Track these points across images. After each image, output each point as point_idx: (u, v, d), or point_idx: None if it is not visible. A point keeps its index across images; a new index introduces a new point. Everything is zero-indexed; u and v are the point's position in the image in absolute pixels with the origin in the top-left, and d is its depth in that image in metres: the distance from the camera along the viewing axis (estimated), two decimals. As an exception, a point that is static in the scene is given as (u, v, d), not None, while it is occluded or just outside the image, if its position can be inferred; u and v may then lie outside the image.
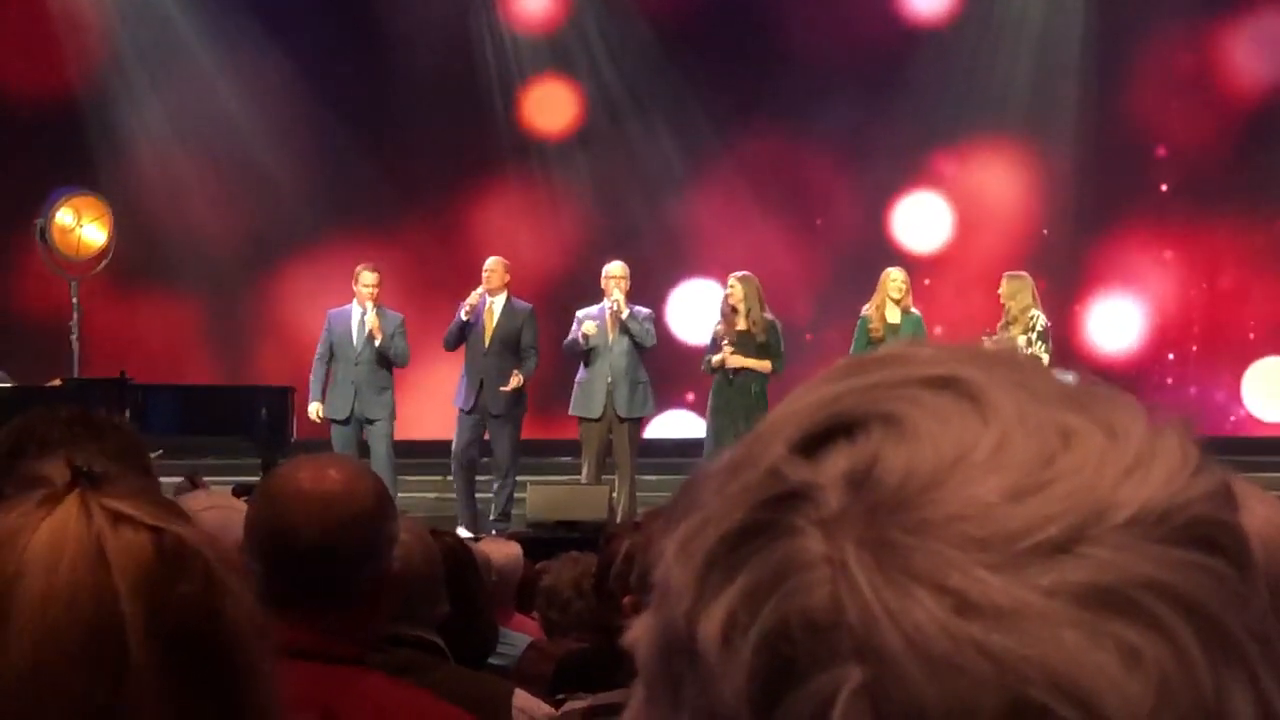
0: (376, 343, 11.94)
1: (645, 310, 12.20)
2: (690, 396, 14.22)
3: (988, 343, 0.67)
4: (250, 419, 12.23)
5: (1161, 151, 15.39)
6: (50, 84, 15.19)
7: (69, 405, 2.67)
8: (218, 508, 3.09)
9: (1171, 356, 15.47)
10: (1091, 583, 0.58)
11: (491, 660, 4.45)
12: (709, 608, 0.60)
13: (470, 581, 4.16)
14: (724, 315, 11.90)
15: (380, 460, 11.67)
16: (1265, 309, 15.37)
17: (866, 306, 11.97)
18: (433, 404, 13.23)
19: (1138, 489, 0.60)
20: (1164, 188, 15.44)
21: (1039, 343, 11.38)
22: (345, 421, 11.98)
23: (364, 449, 11.89)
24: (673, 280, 15.09)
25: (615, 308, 11.89)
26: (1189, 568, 0.59)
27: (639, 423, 12.15)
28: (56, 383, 12.00)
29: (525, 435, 12.34)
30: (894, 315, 11.83)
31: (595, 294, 12.19)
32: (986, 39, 15.41)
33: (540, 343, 12.16)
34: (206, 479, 6.67)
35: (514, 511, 12.09)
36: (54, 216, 13.34)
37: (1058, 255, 14.84)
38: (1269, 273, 15.38)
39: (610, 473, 12.01)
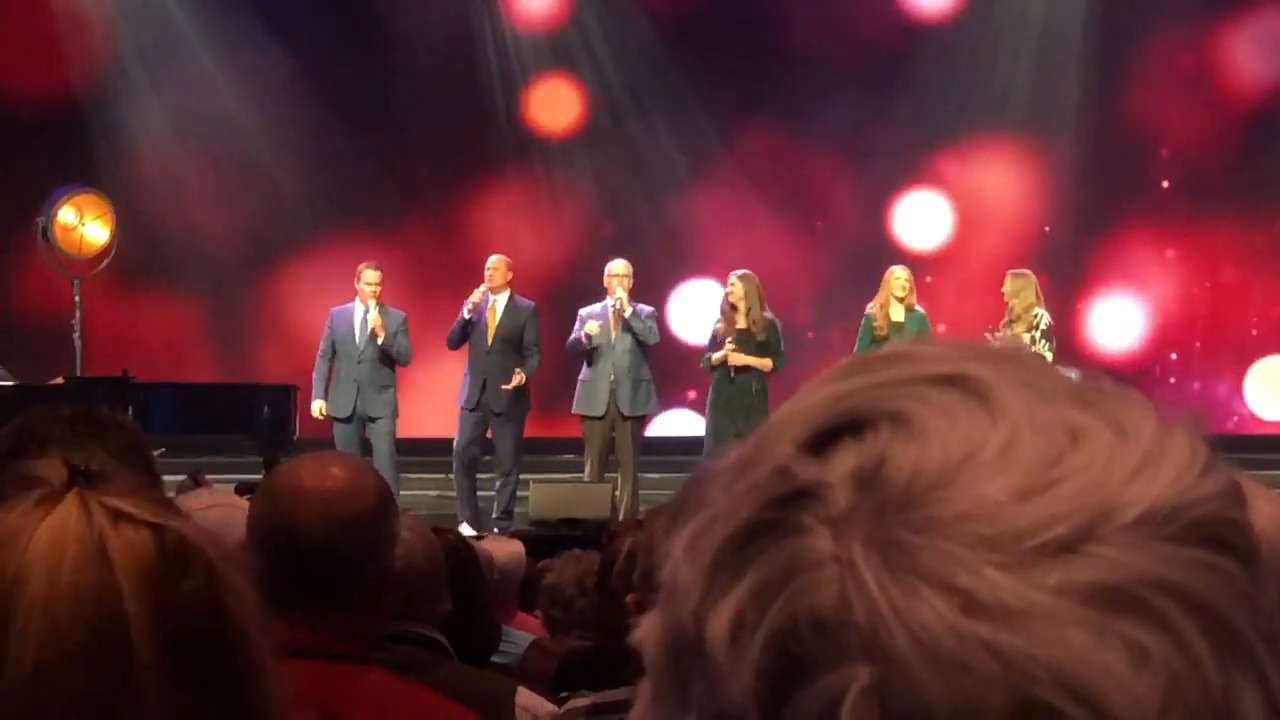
0: (379, 341, 11.94)
1: (648, 308, 12.20)
2: (691, 395, 14.22)
3: (992, 340, 0.67)
4: (252, 417, 12.23)
5: (1163, 150, 15.38)
6: (52, 83, 15.19)
7: (71, 404, 2.66)
8: (220, 506, 3.09)
9: (1174, 356, 15.47)
10: (1099, 582, 0.58)
11: (494, 658, 4.45)
12: (717, 606, 0.60)
13: (473, 579, 4.16)
14: (724, 313, 11.90)
15: (382, 458, 11.68)
16: (1267, 307, 15.37)
17: (871, 305, 11.98)
18: (435, 402, 13.23)
19: (1146, 488, 0.60)
20: (1165, 184, 15.43)
21: (1042, 341, 11.38)
22: (347, 419, 11.99)
23: (366, 447, 11.90)
24: (674, 278, 15.09)
25: (618, 306, 11.89)
26: (1197, 567, 0.59)
27: (642, 421, 12.16)
28: (59, 381, 12.00)
29: (528, 433, 12.34)
30: (898, 313, 11.83)
31: (597, 292, 12.19)
32: (988, 37, 15.40)
33: (542, 341, 12.16)
34: (209, 477, 6.67)
35: (516, 510, 12.09)
36: (56, 215, 13.35)
37: (1059, 253, 14.84)
38: (1271, 271, 15.38)
39: (613, 471, 12.01)
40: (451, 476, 12.29)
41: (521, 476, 12.14)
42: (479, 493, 12.22)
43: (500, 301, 12.10)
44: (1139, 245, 15.38)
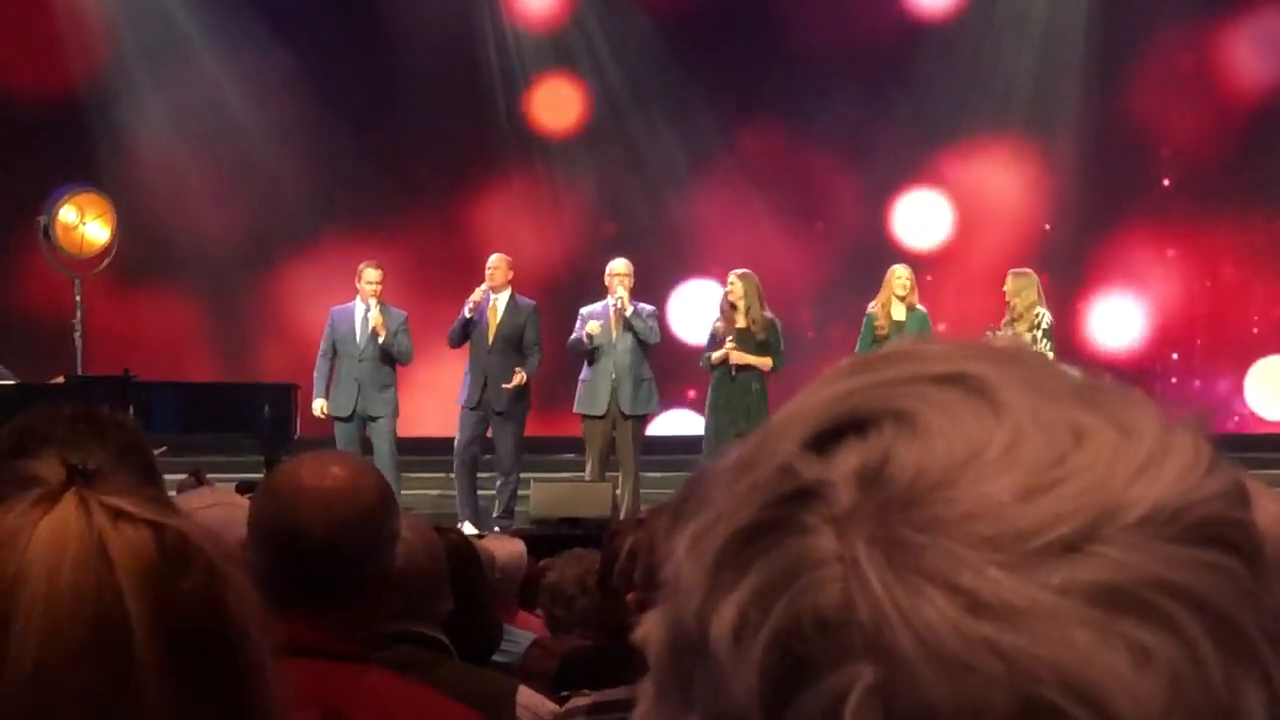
0: (380, 340, 11.94)
1: (649, 307, 12.21)
2: (691, 394, 14.22)
3: (994, 338, 0.67)
4: (253, 416, 12.23)
5: (1164, 149, 15.38)
6: (53, 82, 15.18)
7: (72, 403, 2.66)
8: (221, 505, 3.09)
9: (1175, 356, 15.46)
10: (1103, 582, 0.58)
11: (495, 657, 4.45)
12: (720, 605, 0.60)
13: (474, 578, 4.16)
14: (723, 312, 11.90)
15: (383, 457, 11.68)
16: (1268, 307, 15.37)
17: (872, 304, 11.98)
18: (435, 401, 13.23)
19: (1150, 487, 0.60)
20: (1166, 183, 15.43)
21: (1043, 340, 11.39)
22: (348, 418, 11.99)
23: (367, 446, 11.90)
24: (675, 278, 15.08)
25: (619, 305, 11.89)
26: (1201, 567, 0.59)
27: (643, 420, 12.16)
28: (59, 380, 12.00)
29: (528, 432, 12.34)
30: (899, 312, 11.84)
31: (598, 291, 12.19)
32: (989, 36, 15.40)
33: (543, 340, 12.16)
34: (209, 476, 6.67)
35: (517, 509, 12.09)
36: (57, 214, 13.35)
37: (1060, 253, 14.83)
38: (1271, 270, 15.38)
39: (614, 470, 12.01)
40: (452, 475, 12.29)
41: (522, 475, 12.14)
42: (480, 492, 12.22)
43: (501, 300, 12.10)
44: (1140, 244, 15.38)
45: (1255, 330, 15.41)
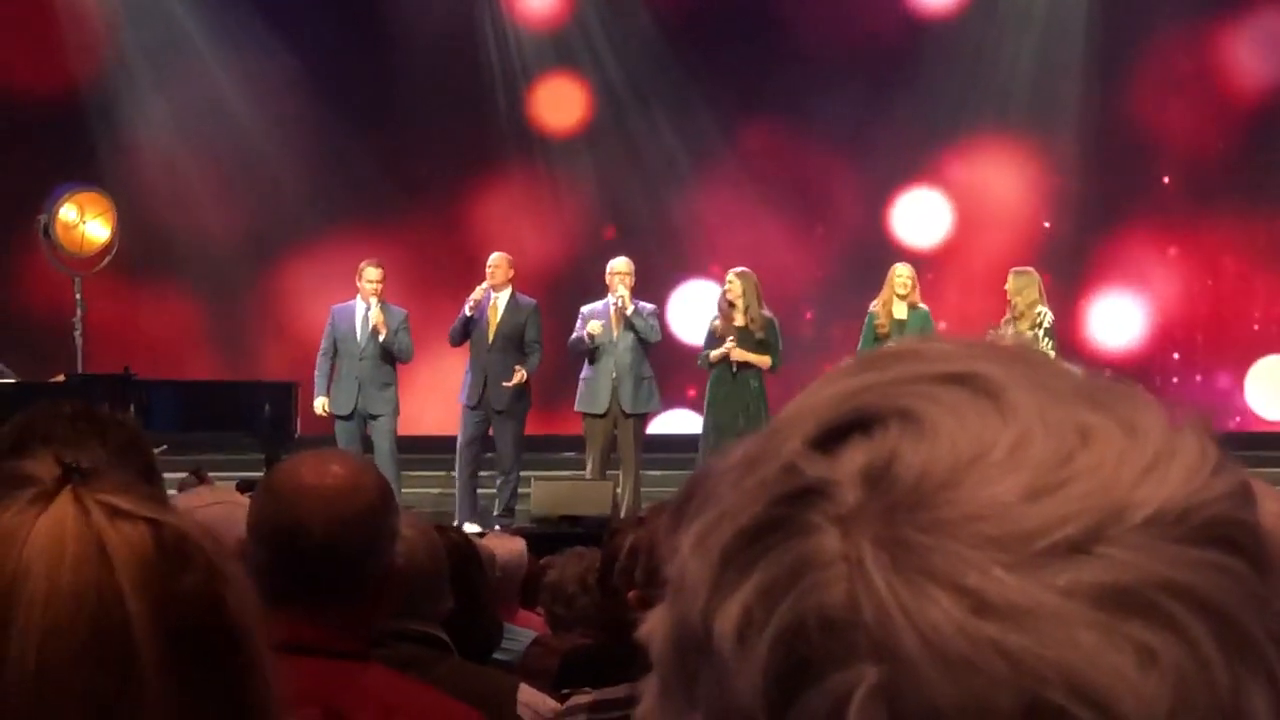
0: (380, 338, 11.95)
1: (650, 306, 12.21)
2: (691, 393, 14.22)
3: (998, 337, 0.67)
4: (253, 415, 12.24)
5: (1164, 148, 15.37)
6: (54, 80, 15.18)
7: (72, 401, 2.66)
8: (221, 503, 3.09)
9: (1177, 356, 15.46)
10: (1108, 583, 0.58)
11: (496, 655, 4.45)
12: (725, 604, 0.60)
13: (474, 577, 4.16)
14: (722, 311, 11.90)
15: (383, 456, 11.68)
16: (1269, 305, 15.37)
17: (874, 302, 11.98)
18: (436, 399, 13.23)
19: (1156, 488, 0.59)
20: (1166, 181, 15.42)
21: (1045, 339, 11.39)
22: (349, 417, 11.99)
23: (367, 444, 11.90)
24: (676, 276, 15.08)
25: (620, 304, 11.89)
26: (1207, 568, 0.59)
27: (644, 418, 12.16)
28: (60, 378, 12.00)
29: (529, 431, 12.35)
30: (901, 311, 11.84)
31: (599, 290, 12.19)
32: (991, 33, 15.40)
33: (544, 338, 12.16)
34: (210, 475, 6.67)
35: (517, 507, 12.10)
36: (57, 213, 13.35)
37: (1060, 251, 14.82)
38: (1272, 269, 15.38)
39: (615, 468, 12.01)
40: (452, 474, 12.29)
41: (523, 474, 12.14)
42: (480, 490, 12.22)
43: (502, 299, 12.10)
44: (1140, 243, 15.38)
45: (1256, 328, 15.41)
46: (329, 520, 2.48)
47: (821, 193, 15.44)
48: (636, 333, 11.89)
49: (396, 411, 12.09)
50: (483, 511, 12.09)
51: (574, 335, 12.04)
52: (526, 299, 12.22)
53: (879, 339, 11.64)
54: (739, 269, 11.98)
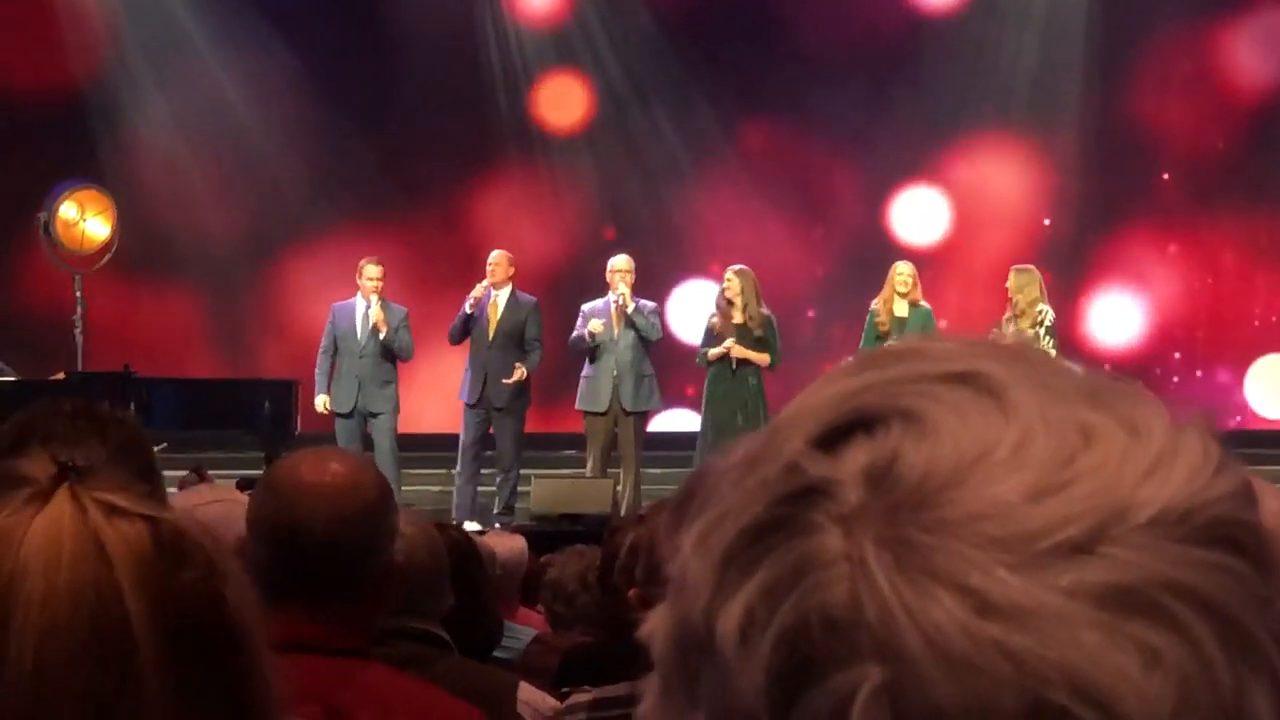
0: (381, 336, 11.94)
1: (650, 304, 12.21)
2: (690, 391, 14.22)
3: (1001, 335, 0.67)
4: (254, 413, 12.24)
5: (1165, 145, 15.37)
6: (55, 78, 15.18)
7: (72, 399, 2.66)
8: (221, 501, 3.09)
9: (1178, 355, 15.45)
10: (1111, 583, 0.58)
11: (496, 653, 4.45)
12: (727, 604, 0.60)
13: (475, 575, 4.16)
14: (720, 309, 11.90)
15: (384, 454, 11.68)
16: (1269, 303, 15.37)
17: (875, 301, 11.98)
18: (436, 397, 13.23)
19: (1159, 488, 0.59)
20: (1166, 178, 15.42)
21: (1046, 337, 11.39)
22: (349, 415, 11.99)
23: (368, 442, 11.90)
24: (676, 275, 15.08)
25: (620, 302, 11.89)
26: (1210, 568, 0.59)
27: (644, 416, 12.16)
28: (60, 376, 12.01)
29: (529, 429, 12.35)
30: (902, 309, 11.83)
31: (599, 288, 12.19)
32: (991, 31, 15.39)
33: (544, 336, 12.16)
34: (210, 473, 6.67)
35: (517, 505, 12.10)
36: (58, 210, 13.35)
37: (1060, 249, 14.83)
38: (1273, 267, 15.38)
39: (615, 466, 12.01)
40: (453, 471, 12.29)
41: (523, 472, 12.14)
42: (480, 488, 12.23)
43: (502, 297, 12.10)
44: (1140, 241, 15.38)
45: (1256, 323, 15.41)
46: (329, 518, 2.48)
47: (822, 191, 15.44)
48: (637, 331, 11.89)
49: (397, 409, 12.09)
50: (483, 509, 12.09)
51: (575, 333, 12.03)
52: (527, 297, 12.22)
53: (880, 337, 11.64)
54: (737, 267, 11.98)
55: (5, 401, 9.66)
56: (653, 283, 13.27)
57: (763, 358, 11.73)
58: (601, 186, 15.54)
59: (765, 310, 11.85)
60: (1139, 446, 0.60)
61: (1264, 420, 15.13)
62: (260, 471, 7.80)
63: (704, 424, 11.91)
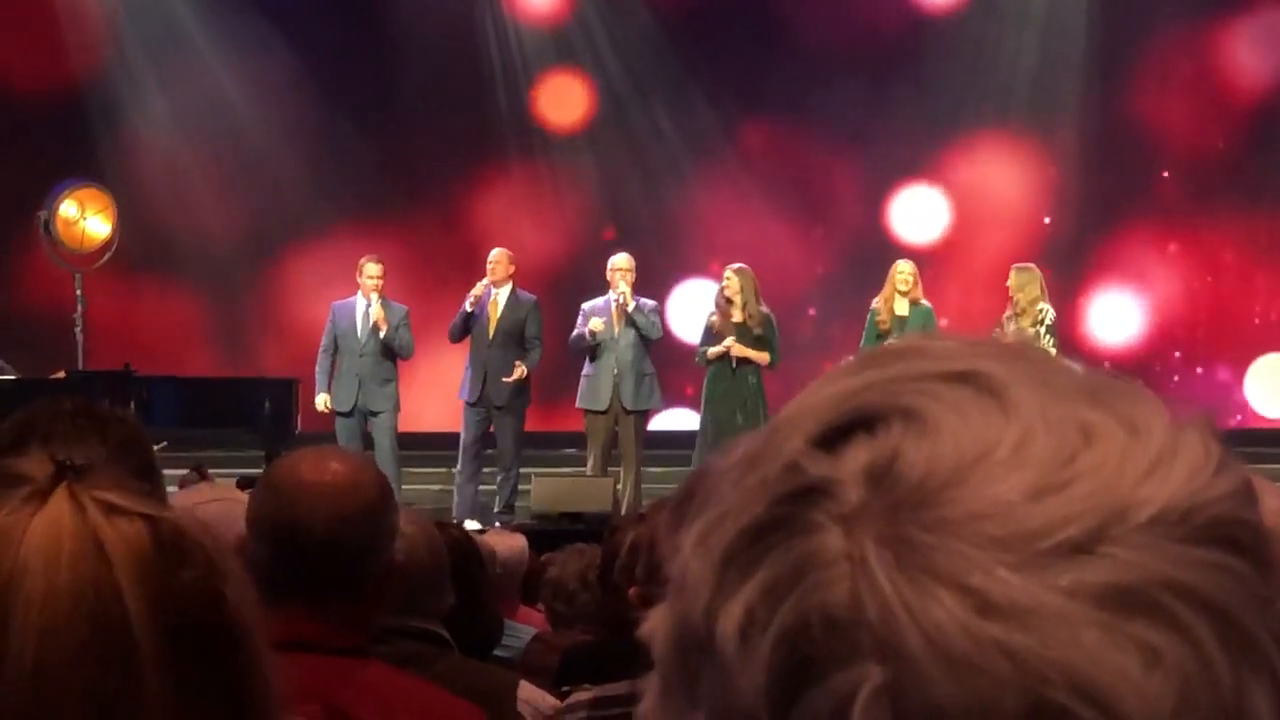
0: (381, 335, 11.94)
1: (651, 302, 12.20)
2: (690, 391, 14.22)
3: (1002, 335, 0.66)
4: (254, 411, 12.23)
5: (1165, 144, 15.37)
6: (55, 77, 15.18)
7: (73, 397, 2.66)
8: (221, 500, 3.08)
9: (1178, 353, 15.45)
10: (1112, 583, 0.58)
11: (497, 652, 4.45)
12: (727, 603, 0.60)
13: (475, 574, 4.16)
14: (719, 307, 11.90)
15: (384, 452, 11.68)
16: (1269, 302, 15.37)
17: (876, 299, 11.98)
18: (436, 396, 13.23)
19: (1159, 488, 0.59)
20: (1166, 176, 15.42)
21: (1046, 336, 11.39)
22: (349, 413, 11.98)
23: (368, 441, 11.90)
24: (676, 273, 15.08)
25: (621, 300, 11.89)
26: (1210, 568, 0.59)
27: (645, 415, 12.16)
28: (60, 375, 12.01)
29: (530, 427, 12.34)
30: (902, 307, 11.83)
31: (600, 286, 12.19)
32: (991, 30, 15.39)
33: (544, 335, 12.16)
34: (210, 471, 6.67)
35: (517, 504, 12.09)
36: (58, 209, 13.35)
37: (1060, 248, 14.82)
38: (1273, 266, 15.37)
39: (615, 465, 12.01)
40: (453, 470, 12.29)
41: (523, 470, 12.14)
42: (480, 487, 12.23)
43: (502, 295, 12.10)
44: (1140, 240, 15.38)
45: (1256, 320, 15.41)
46: (328, 517, 2.48)
47: (822, 190, 15.44)
48: (638, 329, 11.88)
49: (397, 408, 12.09)
50: (483, 508, 12.09)
51: (575, 332, 12.02)
52: (527, 295, 12.22)
53: (880, 336, 11.64)
54: (736, 265, 11.98)
55: (5, 400, 9.66)
56: (653, 282, 13.27)
57: (762, 356, 11.73)
58: (601, 185, 15.54)
59: (764, 309, 11.85)
60: (1139, 446, 0.60)
61: (1264, 419, 15.13)
62: (260, 470, 7.80)
63: (703, 423, 11.90)
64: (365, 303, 12.03)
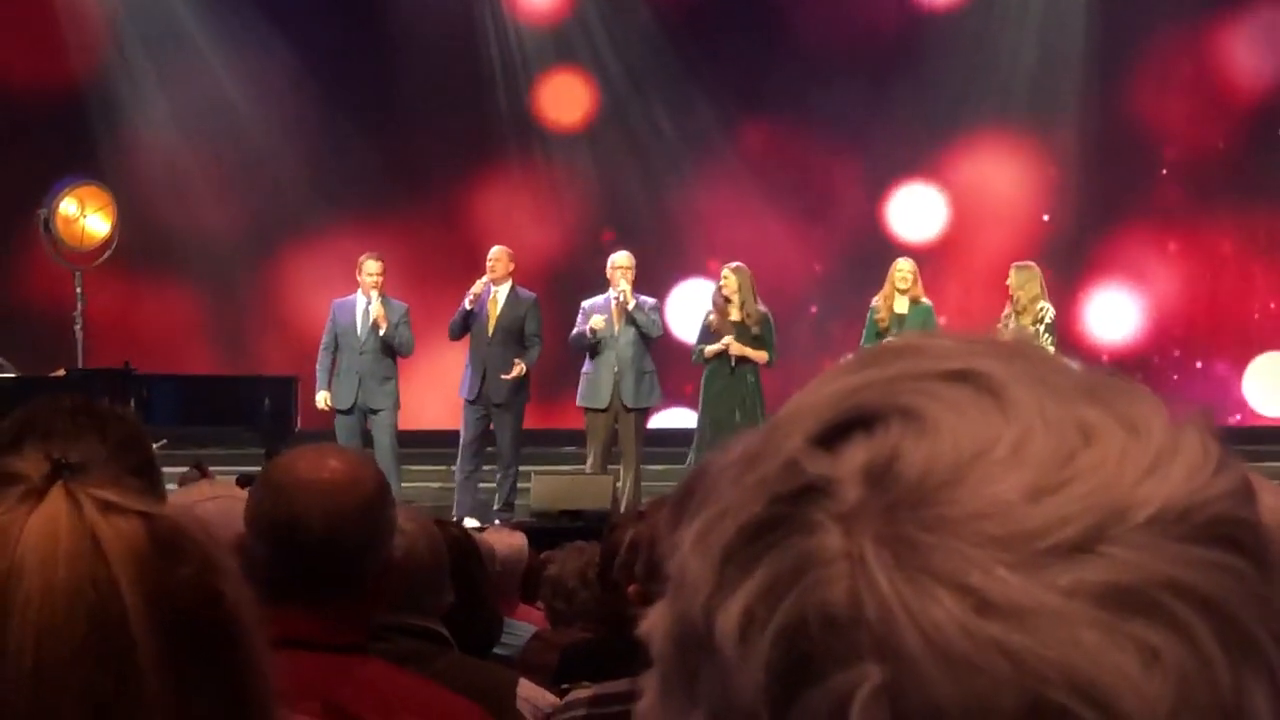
0: (381, 332, 11.94)
1: (651, 300, 12.20)
2: (689, 389, 14.22)
3: (1002, 334, 0.66)
4: (254, 409, 12.24)
5: (1164, 143, 15.37)
6: (55, 75, 15.18)
7: (72, 395, 2.66)
8: (220, 498, 3.08)
9: (1177, 352, 15.45)
10: (1111, 582, 0.58)
11: (496, 650, 4.44)
12: (726, 601, 0.60)
13: (474, 571, 4.15)
14: (716, 306, 11.90)
15: (384, 450, 11.68)
16: (1268, 300, 15.37)
17: (876, 297, 11.98)
18: (436, 394, 13.23)
19: (1158, 487, 0.59)
20: (1165, 174, 15.42)
21: (1046, 334, 11.39)
22: (349, 411, 11.99)
23: (368, 439, 11.90)
24: (675, 272, 15.08)
25: (621, 298, 11.89)
26: (1209, 567, 0.59)
27: (645, 413, 12.16)
28: (60, 373, 12.01)
29: (529, 425, 12.35)
30: (902, 305, 11.83)
31: (599, 284, 12.19)
32: (990, 28, 15.39)
33: (544, 332, 12.16)
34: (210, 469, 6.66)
35: (517, 501, 12.10)
36: (58, 206, 13.35)
37: (1059, 246, 14.82)
38: (1271, 264, 15.38)
39: (615, 462, 12.01)
40: (453, 468, 12.29)
41: (522, 468, 12.14)
42: (480, 484, 12.23)
43: (502, 292, 12.10)
44: (1140, 238, 15.38)
45: (1256, 315, 15.41)
46: (327, 514, 2.47)
47: (822, 188, 15.44)
48: (638, 327, 11.88)
49: (397, 406, 12.09)
50: (483, 506, 12.09)
51: (575, 330, 12.02)
52: (526, 292, 12.22)
53: (880, 334, 11.64)
54: (734, 264, 11.99)
55: (5, 398, 9.66)
56: (652, 280, 13.27)
57: (761, 355, 11.73)
58: (601, 184, 15.55)
59: (762, 307, 11.85)
60: (1138, 444, 0.60)
61: (1263, 417, 15.13)
62: (260, 468, 7.81)
63: (701, 421, 11.90)
64: (365, 300, 12.03)
